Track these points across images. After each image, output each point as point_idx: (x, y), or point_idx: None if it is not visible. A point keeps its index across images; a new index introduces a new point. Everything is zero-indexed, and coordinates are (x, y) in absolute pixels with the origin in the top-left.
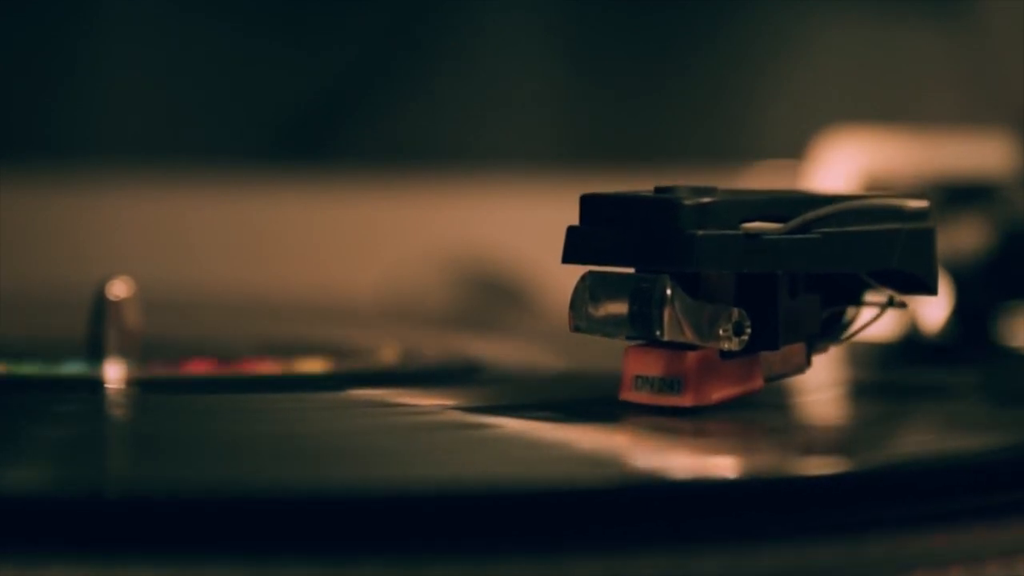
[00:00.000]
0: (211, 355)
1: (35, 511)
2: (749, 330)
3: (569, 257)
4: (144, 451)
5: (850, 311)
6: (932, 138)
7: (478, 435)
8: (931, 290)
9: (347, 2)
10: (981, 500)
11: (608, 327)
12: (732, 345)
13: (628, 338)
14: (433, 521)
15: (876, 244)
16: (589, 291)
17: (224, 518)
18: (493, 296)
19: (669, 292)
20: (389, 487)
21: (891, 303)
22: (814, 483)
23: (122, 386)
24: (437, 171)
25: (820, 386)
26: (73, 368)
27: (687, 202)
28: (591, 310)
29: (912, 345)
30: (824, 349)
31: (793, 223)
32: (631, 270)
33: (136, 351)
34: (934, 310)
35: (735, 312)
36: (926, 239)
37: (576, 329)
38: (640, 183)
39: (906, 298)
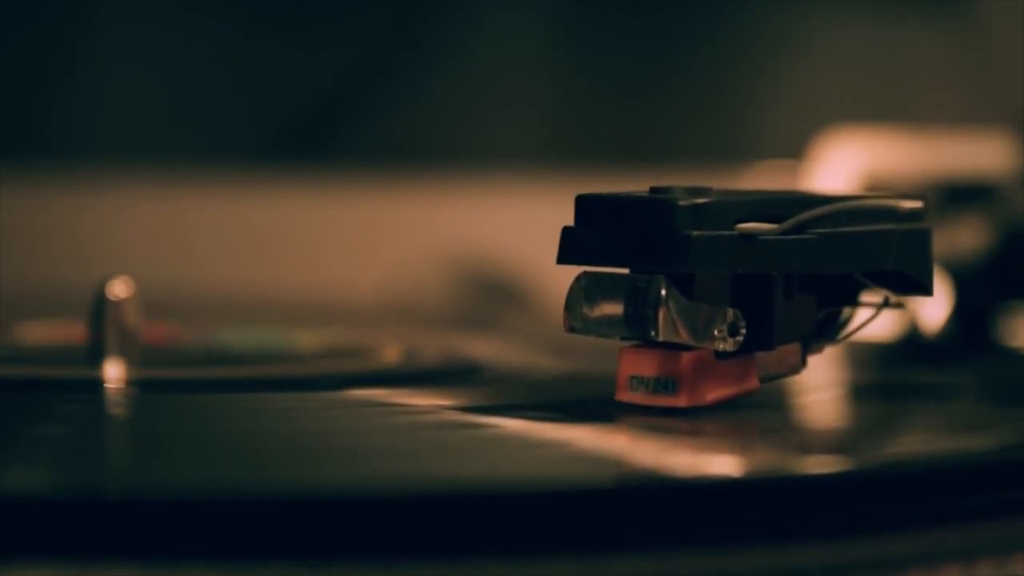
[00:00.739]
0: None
1: (35, 512)
2: (744, 330)
3: (564, 258)
4: (144, 451)
5: (846, 312)
6: (932, 138)
7: (476, 435)
8: (927, 290)
9: (347, 2)
10: (980, 500)
11: (603, 328)
12: (727, 346)
13: (623, 339)
14: (432, 521)
15: (871, 245)
16: (584, 292)
17: (224, 518)
18: (493, 296)
19: (664, 293)
20: (388, 487)
21: (887, 304)
22: (811, 482)
23: (122, 386)
24: (437, 171)
25: (818, 386)
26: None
27: (682, 203)
28: (586, 311)
29: (912, 345)
30: (819, 350)
31: (788, 224)
32: (626, 271)
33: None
34: (934, 310)
35: (730, 313)
36: (922, 239)
37: (571, 330)
38: (640, 183)
39: (903, 298)
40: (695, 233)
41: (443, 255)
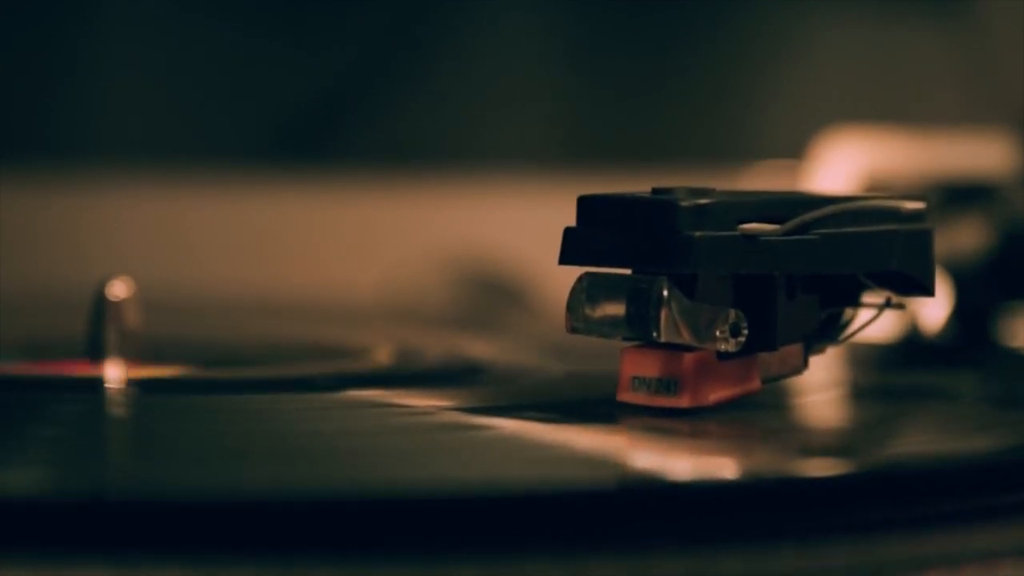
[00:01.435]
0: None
1: (34, 512)
2: (746, 331)
3: (566, 258)
4: (144, 452)
5: (848, 312)
6: (932, 138)
7: (477, 436)
8: (929, 291)
9: (347, 2)
10: (981, 501)
11: (605, 328)
12: (729, 346)
13: (625, 339)
14: (432, 521)
15: (874, 245)
16: (586, 292)
17: (224, 519)
18: (493, 296)
19: (666, 293)
20: (388, 488)
21: (889, 304)
22: (813, 484)
23: (122, 386)
24: (437, 171)
25: (820, 387)
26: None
27: (684, 203)
28: (588, 311)
29: (912, 346)
30: (821, 350)
31: (790, 224)
32: (628, 271)
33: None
34: (934, 311)
35: (732, 313)
36: (924, 240)
37: (573, 330)
38: (640, 183)
39: (904, 299)
40: (697, 234)
41: (444, 255)
